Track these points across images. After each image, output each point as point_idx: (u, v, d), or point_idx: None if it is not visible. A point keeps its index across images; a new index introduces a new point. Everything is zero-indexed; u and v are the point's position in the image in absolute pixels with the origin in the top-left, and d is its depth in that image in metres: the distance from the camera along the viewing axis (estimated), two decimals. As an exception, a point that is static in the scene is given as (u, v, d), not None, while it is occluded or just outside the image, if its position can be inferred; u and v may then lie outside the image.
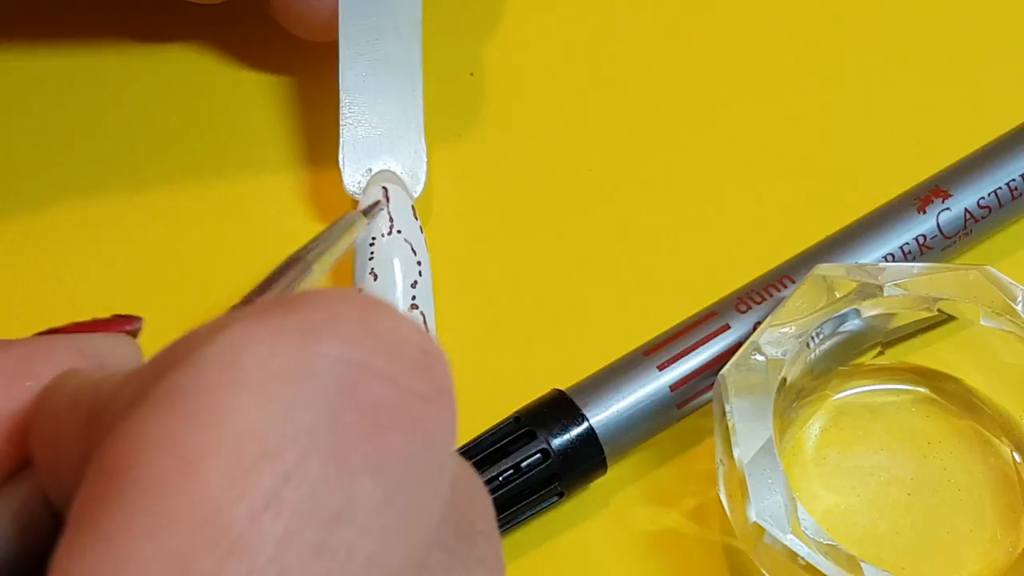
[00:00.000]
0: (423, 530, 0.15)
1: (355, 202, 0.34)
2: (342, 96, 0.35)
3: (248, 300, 0.23)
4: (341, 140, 0.35)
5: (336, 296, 0.15)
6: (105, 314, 0.31)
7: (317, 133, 0.37)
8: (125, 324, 0.20)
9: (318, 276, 0.25)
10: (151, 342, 0.33)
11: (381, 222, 0.33)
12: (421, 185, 0.34)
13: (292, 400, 0.14)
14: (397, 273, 0.33)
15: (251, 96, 0.38)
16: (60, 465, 0.17)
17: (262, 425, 0.14)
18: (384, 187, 0.34)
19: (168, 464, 0.14)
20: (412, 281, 0.33)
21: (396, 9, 0.35)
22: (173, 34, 0.39)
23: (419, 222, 0.33)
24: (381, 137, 0.35)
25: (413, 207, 0.34)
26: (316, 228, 0.35)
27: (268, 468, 0.14)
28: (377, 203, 0.33)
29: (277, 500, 0.14)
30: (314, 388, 0.14)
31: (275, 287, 0.24)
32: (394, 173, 0.34)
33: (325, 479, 0.14)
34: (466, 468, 0.18)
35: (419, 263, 0.33)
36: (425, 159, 0.35)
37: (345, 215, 0.31)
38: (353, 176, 0.35)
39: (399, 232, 0.33)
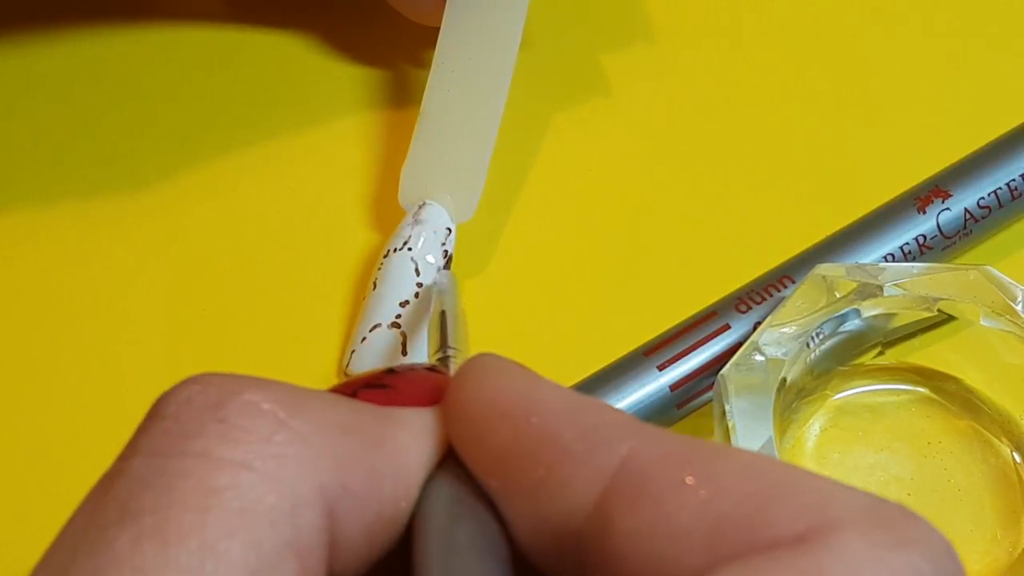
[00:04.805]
0: None
1: (405, 213, 0.34)
2: (423, 108, 0.34)
3: (439, 357, 0.24)
4: (409, 151, 0.34)
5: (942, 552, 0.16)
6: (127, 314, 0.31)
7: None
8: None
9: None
10: (165, 347, 0.33)
11: (399, 237, 0.33)
12: (471, 211, 0.34)
13: None
14: (390, 288, 0.32)
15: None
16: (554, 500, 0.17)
17: None
18: (424, 203, 0.33)
19: None
20: (403, 300, 0.32)
21: (496, 35, 0.34)
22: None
23: (446, 248, 0.33)
24: (447, 155, 0.34)
25: (448, 229, 0.33)
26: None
27: None
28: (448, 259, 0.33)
29: None
30: None
31: (452, 349, 0.24)
32: (446, 195, 0.34)
33: None
34: None
35: (419, 284, 0.32)
36: (481, 188, 0.34)
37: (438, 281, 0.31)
38: (409, 187, 0.34)
39: (409, 249, 0.33)
